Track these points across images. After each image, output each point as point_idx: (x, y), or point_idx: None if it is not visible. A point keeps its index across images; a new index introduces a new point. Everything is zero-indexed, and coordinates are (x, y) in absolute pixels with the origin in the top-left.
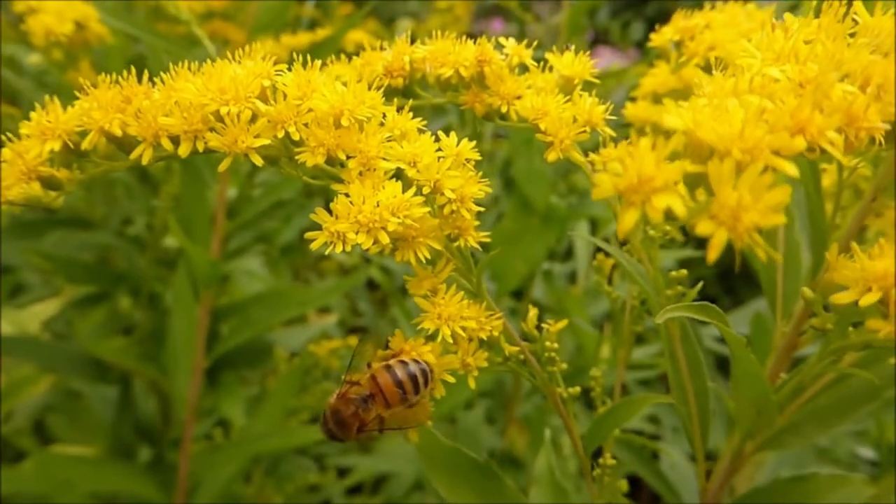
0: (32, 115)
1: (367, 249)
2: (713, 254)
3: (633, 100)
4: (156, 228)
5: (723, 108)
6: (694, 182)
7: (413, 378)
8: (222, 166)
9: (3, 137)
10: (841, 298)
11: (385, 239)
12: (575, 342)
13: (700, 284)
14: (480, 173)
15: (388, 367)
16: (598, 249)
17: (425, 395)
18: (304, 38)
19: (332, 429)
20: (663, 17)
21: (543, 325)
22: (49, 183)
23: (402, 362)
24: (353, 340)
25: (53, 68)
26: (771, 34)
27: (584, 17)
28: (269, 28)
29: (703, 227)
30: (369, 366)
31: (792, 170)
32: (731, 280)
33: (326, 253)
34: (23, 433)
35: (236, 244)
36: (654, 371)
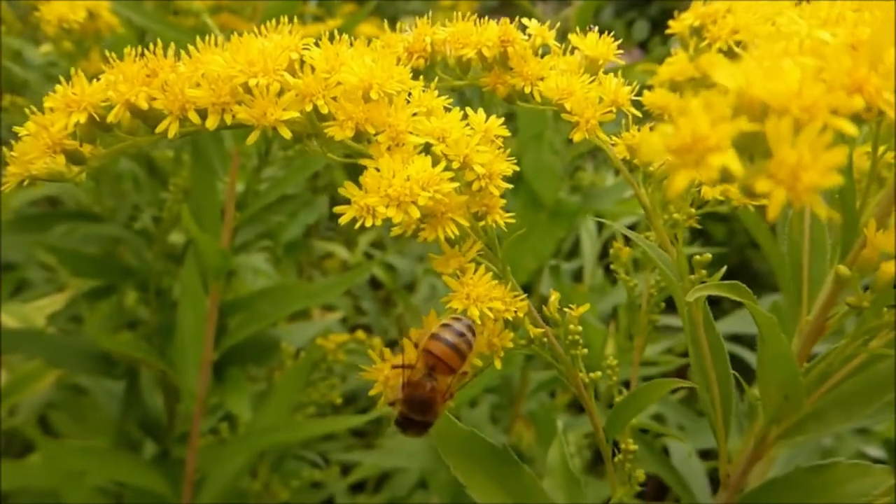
0: (58, 87)
1: (391, 225)
2: (773, 212)
3: (649, 88)
4: (164, 222)
5: (776, 68)
6: (744, 145)
7: (462, 335)
8: (250, 139)
9: (15, 127)
10: (889, 267)
11: (416, 213)
12: (582, 339)
13: (724, 269)
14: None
15: (436, 336)
16: (608, 245)
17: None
18: (313, 29)
19: (417, 417)
20: (666, 17)
21: (565, 308)
22: (73, 157)
23: (445, 325)
24: (360, 335)
25: (63, 59)
26: (815, 2)
27: (591, 15)
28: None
29: (761, 186)
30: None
31: (851, 129)
32: (735, 279)
33: (356, 227)
34: (29, 427)
35: (242, 239)
36: (659, 368)
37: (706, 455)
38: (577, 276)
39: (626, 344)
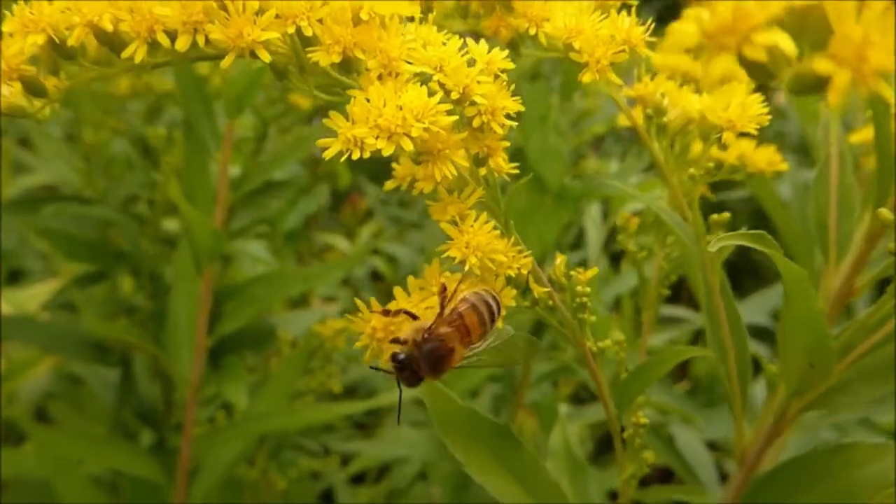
0: (15, 8)
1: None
2: (835, 98)
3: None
4: (157, 205)
5: None
6: (792, 31)
7: (492, 315)
8: (224, 62)
9: None
10: None
11: (409, 146)
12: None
13: (744, 230)
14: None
15: (472, 305)
16: (612, 234)
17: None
18: None
19: (424, 368)
20: (671, 3)
21: (572, 272)
22: (33, 87)
23: (482, 298)
24: None
25: None
26: None
27: None
28: None
29: (823, 66)
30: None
31: None
32: (736, 271)
33: (341, 160)
34: (25, 416)
35: (239, 224)
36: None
37: (712, 447)
38: (582, 264)
39: (631, 333)
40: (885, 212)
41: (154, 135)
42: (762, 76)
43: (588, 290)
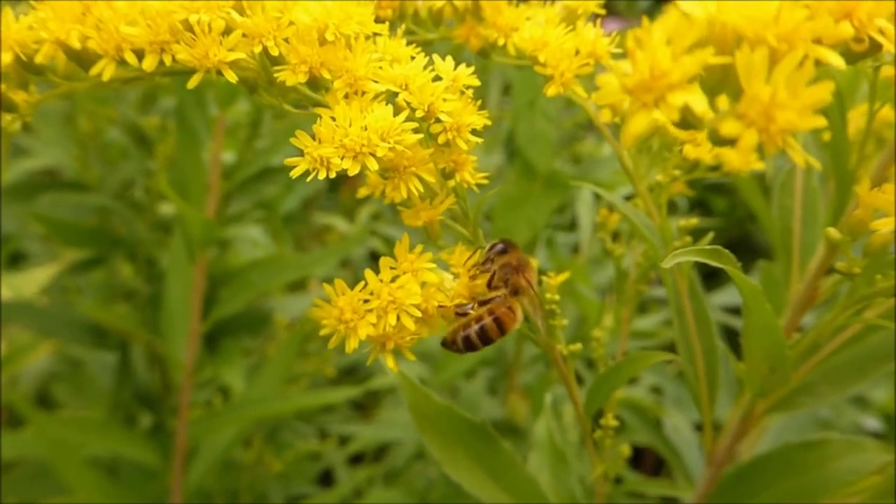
0: None
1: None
2: (740, 159)
3: None
4: (153, 191)
5: None
6: (714, 84)
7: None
8: (191, 82)
9: None
10: (881, 225)
11: (374, 165)
12: (578, 311)
13: (710, 235)
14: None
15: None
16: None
17: None
18: None
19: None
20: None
21: (544, 277)
22: (2, 103)
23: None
24: None
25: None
26: None
27: None
28: None
29: (728, 128)
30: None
31: (837, 60)
32: (734, 252)
33: (308, 180)
34: (26, 400)
35: (236, 209)
36: (655, 340)
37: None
38: (576, 248)
39: (619, 299)
40: (832, 231)
41: (148, 124)
42: (685, 127)
43: (557, 297)
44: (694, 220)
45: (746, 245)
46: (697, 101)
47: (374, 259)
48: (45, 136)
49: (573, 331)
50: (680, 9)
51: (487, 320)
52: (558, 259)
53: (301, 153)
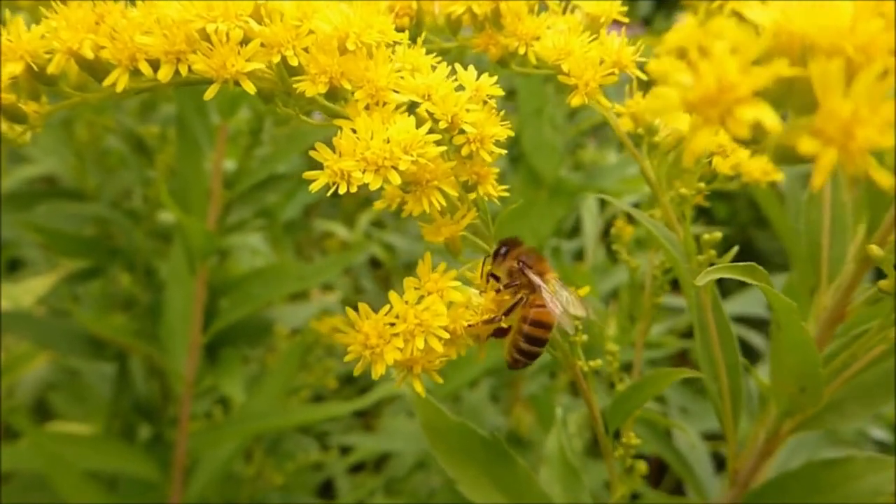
0: None
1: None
2: (820, 178)
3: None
4: (151, 200)
5: (821, 2)
6: (778, 96)
7: None
8: (208, 94)
9: None
10: None
11: (396, 179)
12: (582, 325)
13: (735, 250)
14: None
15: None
16: (610, 224)
17: None
18: None
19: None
20: None
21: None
22: (13, 114)
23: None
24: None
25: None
26: None
27: None
28: None
29: (806, 146)
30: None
31: None
32: (737, 259)
33: (328, 195)
34: (22, 411)
35: (236, 218)
36: (662, 351)
37: (710, 437)
38: (579, 255)
39: (627, 325)
40: (874, 248)
41: (148, 133)
42: (746, 141)
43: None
44: (718, 235)
45: (749, 251)
46: (769, 117)
47: (374, 266)
48: (42, 143)
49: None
50: (744, 16)
51: (526, 328)
52: (563, 268)
53: (310, 163)
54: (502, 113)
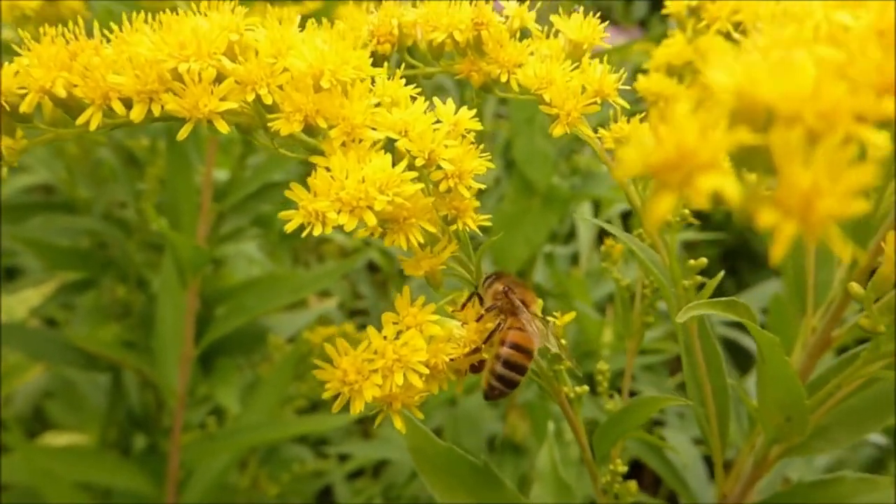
0: None
1: (355, 232)
2: (779, 251)
3: (644, 72)
4: (144, 212)
5: (786, 61)
6: (742, 157)
7: None
8: (181, 134)
9: None
10: None
11: (371, 220)
12: (577, 326)
13: (720, 275)
14: (481, 148)
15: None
16: (605, 232)
17: None
18: (292, 11)
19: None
20: None
21: (549, 318)
22: None
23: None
24: (349, 327)
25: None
26: None
27: None
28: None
29: (766, 218)
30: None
31: (882, 140)
32: (734, 260)
33: (303, 235)
34: (16, 423)
35: (230, 227)
36: (658, 356)
37: (703, 442)
38: (574, 259)
39: (623, 331)
40: (854, 286)
41: (138, 146)
42: (711, 204)
43: (563, 341)
44: (703, 261)
45: (746, 252)
46: (730, 186)
47: (372, 270)
48: (35, 153)
49: (573, 350)
50: (709, 78)
51: (504, 350)
52: (557, 275)
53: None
54: (481, 147)
